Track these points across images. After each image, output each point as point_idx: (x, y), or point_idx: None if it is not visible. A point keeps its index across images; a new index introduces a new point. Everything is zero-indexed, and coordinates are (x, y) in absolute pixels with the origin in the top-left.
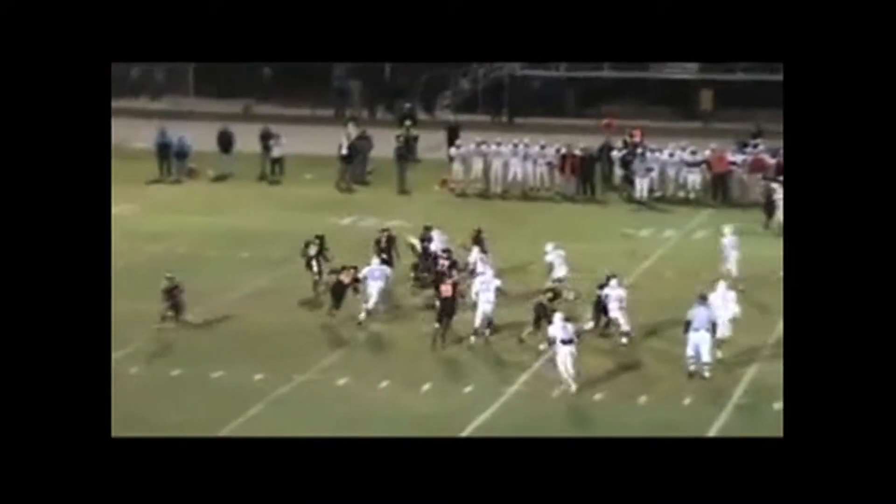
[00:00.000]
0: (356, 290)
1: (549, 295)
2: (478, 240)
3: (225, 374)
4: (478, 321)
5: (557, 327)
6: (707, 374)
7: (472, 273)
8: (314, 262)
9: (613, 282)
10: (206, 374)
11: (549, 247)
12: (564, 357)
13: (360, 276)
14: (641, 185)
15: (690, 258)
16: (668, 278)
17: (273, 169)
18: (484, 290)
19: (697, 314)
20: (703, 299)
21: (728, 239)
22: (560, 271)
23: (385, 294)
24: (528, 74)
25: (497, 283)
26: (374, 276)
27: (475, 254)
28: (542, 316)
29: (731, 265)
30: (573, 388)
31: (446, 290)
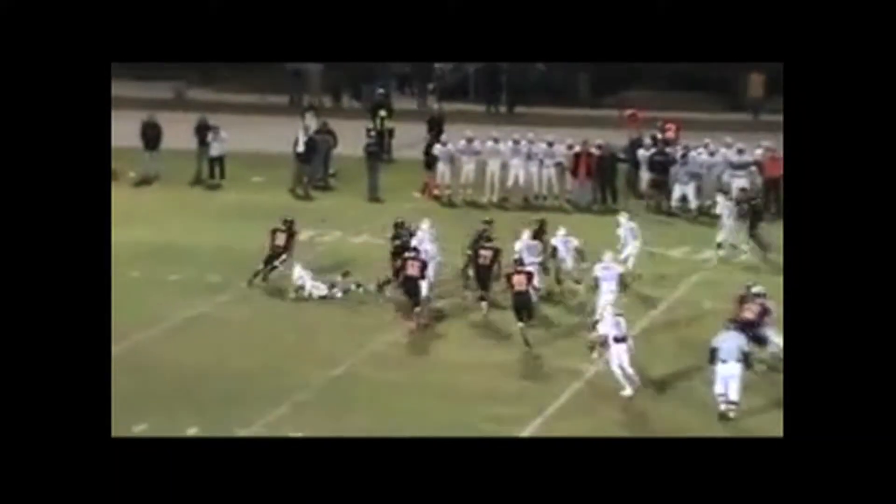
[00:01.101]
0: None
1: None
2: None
3: (148, 428)
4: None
5: (608, 324)
6: (732, 415)
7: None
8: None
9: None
10: (127, 427)
11: (622, 218)
12: (619, 356)
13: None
14: (684, 193)
15: (734, 284)
16: (706, 310)
17: (212, 170)
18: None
19: (725, 341)
20: (732, 323)
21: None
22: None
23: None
24: None
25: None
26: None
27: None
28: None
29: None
30: (629, 391)
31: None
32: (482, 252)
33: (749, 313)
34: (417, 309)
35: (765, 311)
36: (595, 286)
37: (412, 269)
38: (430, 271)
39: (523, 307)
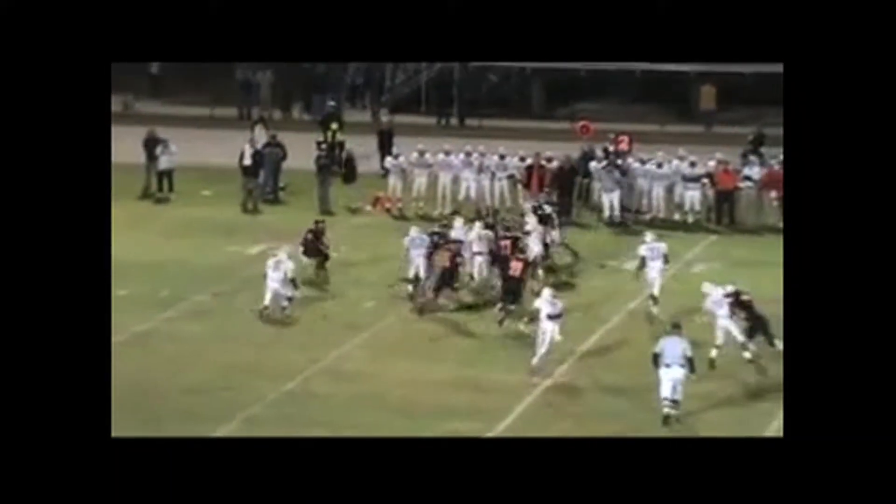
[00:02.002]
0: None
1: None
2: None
3: None
4: None
5: (545, 301)
6: (676, 411)
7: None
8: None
9: None
10: None
11: (648, 237)
12: (551, 331)
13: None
14: (611, 202)
15: (688, 297)
16: (658, 322)
17: (160, 183)
18: None
19: (668, 346)
20: (675, 328)
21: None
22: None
23: None
24: (483, 65)
25: None
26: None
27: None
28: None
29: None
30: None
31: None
32: (513, 264)
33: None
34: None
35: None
36: (641, 266)
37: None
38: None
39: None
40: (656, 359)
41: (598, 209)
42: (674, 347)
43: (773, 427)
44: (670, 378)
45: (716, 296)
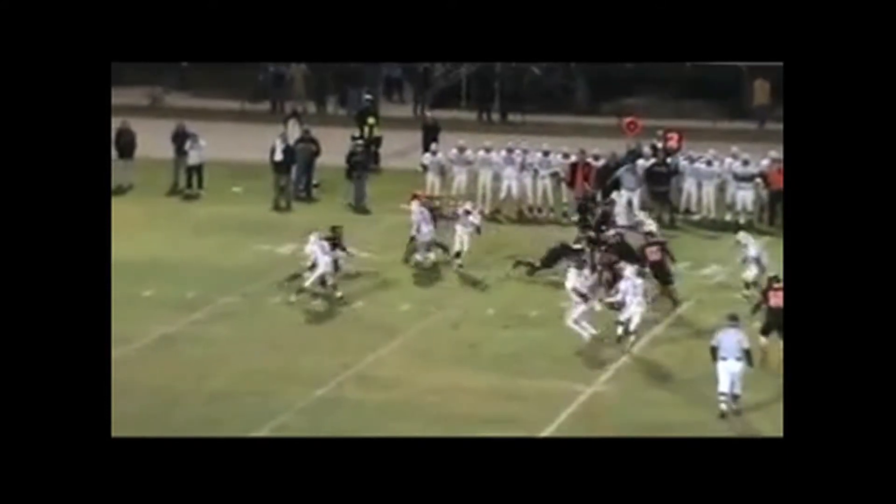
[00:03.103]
0: None
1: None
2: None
3: None
4: None
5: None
6: (737, 407)
7: None
8: None
9: None
10: None
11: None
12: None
13: None
14: (630, 200)
15: (739, 302)
16: (707, 329)
17: (189, 179)
18: None
19: (725, 339)
20: (732, 320)
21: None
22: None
23: None
24: None
25: None
26: None
27: None
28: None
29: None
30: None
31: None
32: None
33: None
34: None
35: None
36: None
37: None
38: None
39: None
40: (714, 352)
41: (648, 210)
42: (730, 340)
43: None
44: (728, 372)
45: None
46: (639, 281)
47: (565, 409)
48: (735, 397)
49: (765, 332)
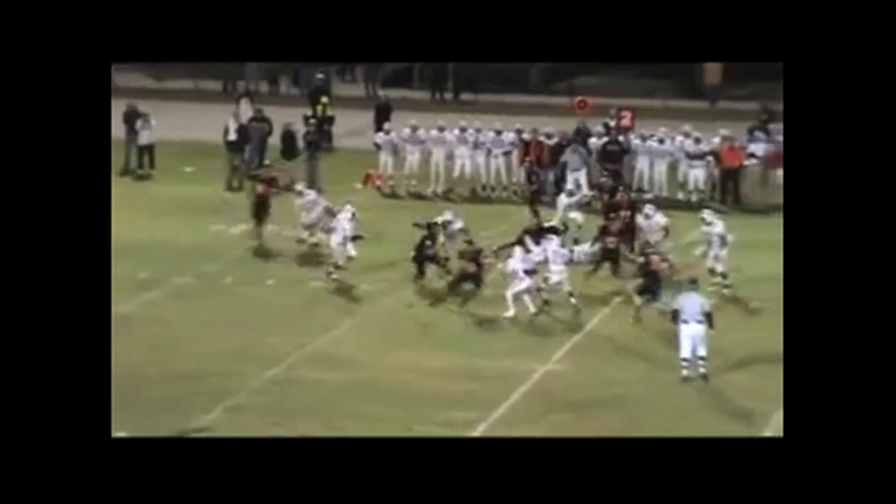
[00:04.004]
0: None
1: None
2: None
3: None
4: None
5: (517, 259)
6: (703, 370)
7: None
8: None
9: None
10: None
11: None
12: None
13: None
14: (576, 181)
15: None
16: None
17: (141, 159)
18: None
19: (686, 302)
20: (693, 283)
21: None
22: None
23: None
24: None
25: None
26: None
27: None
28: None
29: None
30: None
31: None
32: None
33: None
34: None
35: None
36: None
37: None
38: None
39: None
40: (675, 315)
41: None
42: (692, 303)
43: None
44: (689, 335)
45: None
46: (562, 249)
47: (521, 387)
48: (701, 359)
49: (641, 292)
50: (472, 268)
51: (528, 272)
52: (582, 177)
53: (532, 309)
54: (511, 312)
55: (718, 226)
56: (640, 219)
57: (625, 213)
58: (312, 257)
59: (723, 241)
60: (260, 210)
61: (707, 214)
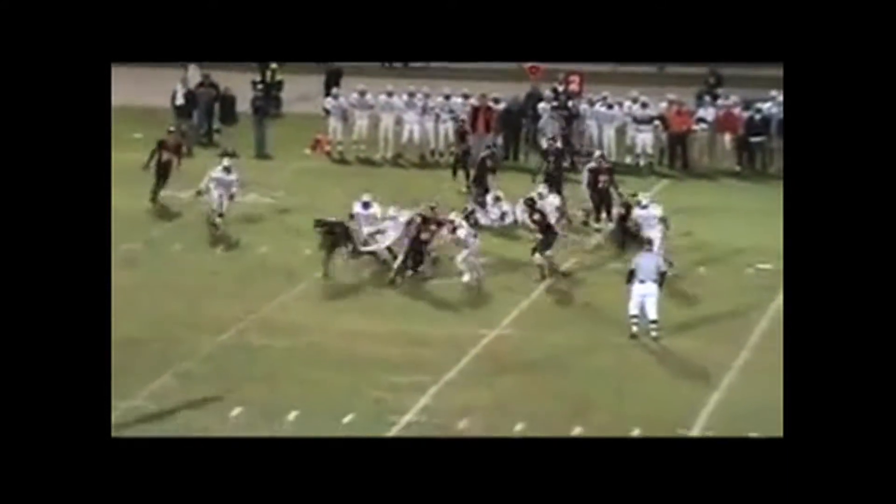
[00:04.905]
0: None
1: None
2: None
3: None
4: None
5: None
6: (655, 334)
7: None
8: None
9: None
10: None
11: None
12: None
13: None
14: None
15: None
16: (609, 270)
17: None
18: None
19: (643, 262)
20: (649, 244)
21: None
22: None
23: None
24: None
25: None
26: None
27: None
28: None
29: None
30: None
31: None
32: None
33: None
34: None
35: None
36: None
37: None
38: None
39: None
40: (631, 275)
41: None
42: (648, 263)
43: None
44: (641, 294)
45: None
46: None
47: (470, 351)
48: (653, 322)
49: (541, 250)
50: (426, 235)
51: (475, 237)
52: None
53: (478, 273)
54: (466, 277)
55: (656, 209)
56: (635, 210)
57: (603, 179)
58: (257, 223)
59: (665, 225)
60: (161, 176)
61: (643, 198)
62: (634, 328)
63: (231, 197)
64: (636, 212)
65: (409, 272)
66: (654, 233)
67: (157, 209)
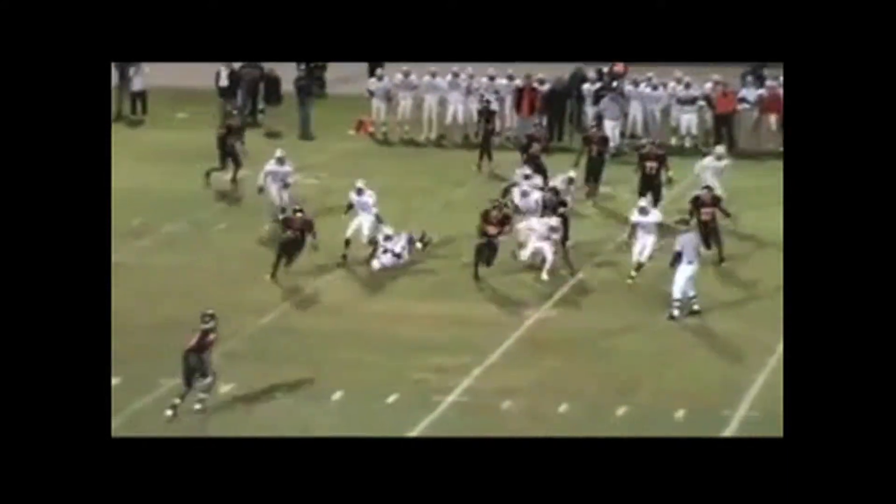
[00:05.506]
0: None
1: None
2: None
3: None
4: None
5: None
6: (697, 307)
7: None
8: None
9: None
10: None
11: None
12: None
13: None
14: (613, 132)
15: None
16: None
17: (133, 106)
18: None
19: (687, 242)
20: (685, 223)
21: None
22: None
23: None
24: None
25: None
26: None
27: None
28: None
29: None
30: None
31: None
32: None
33: (706, 216)
34: None
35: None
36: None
37: None
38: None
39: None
40: (678, 257)
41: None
42: (690, 243)
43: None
44: (686, 275)
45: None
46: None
47: (513, 334)
48: (692, 298)
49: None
50: (492, 230)
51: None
52: (618, 128)
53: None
54: (527, 252)
55: (655, 215)
56: (634, 215)
57: (650, 165)
58: (301, 204)
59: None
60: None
61: (645, 202)
62: (676, 311)
63: (286, 186)
64: (635, 217)
65: (486, 266)
66: (650, 239)
67: (206, 190)
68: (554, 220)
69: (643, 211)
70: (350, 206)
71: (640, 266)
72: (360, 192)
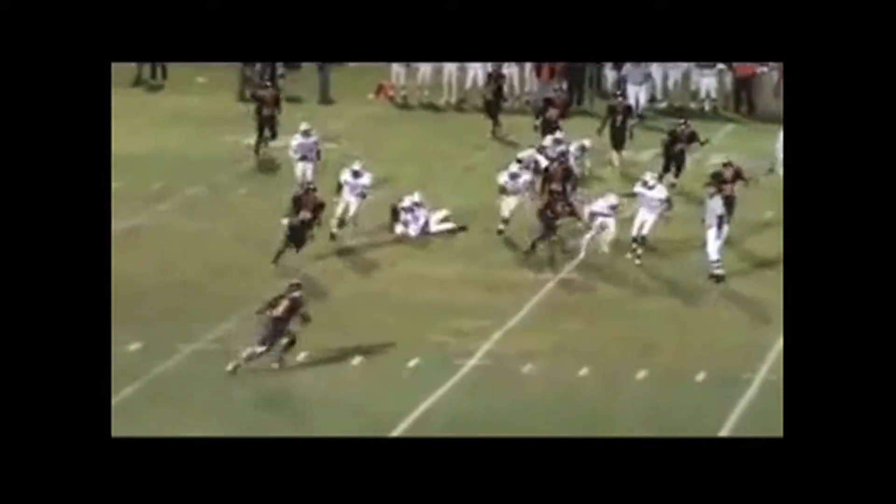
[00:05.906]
0: None
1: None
2: None
3: None
4: None
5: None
6: (720, 271)
7: None
8: None
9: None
10: None
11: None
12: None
13: None
14: (637, 96)
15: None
16: (671, 218)
17: (153, 70)
18: None
19: (715, 206)
20: (710, 188)
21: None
22: None
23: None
24: None
25: None
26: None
27: None
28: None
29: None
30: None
31: None
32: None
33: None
34: None
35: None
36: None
37: None
38: None
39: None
40: (721, 220)
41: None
42: (716, 207)
43: None
44: (716, 237)
45: None
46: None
47: (533, 297)
48: (717, 261)
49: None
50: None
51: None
52: (642, 92)
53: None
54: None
55: (661, 191)
56: (637, 187)
57: (680, 146)
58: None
59: (669, 207)
60: (263, 128)
61: (649, 177)
62: (718, 271)
63: (314, 157)
64: (638, 189)
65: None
66: (652, 215)
67: (259, 160)
68: (613, 199)
69: (647, 185)
70: (340, 187)
71: (641, 241)
72: (356, 174)
